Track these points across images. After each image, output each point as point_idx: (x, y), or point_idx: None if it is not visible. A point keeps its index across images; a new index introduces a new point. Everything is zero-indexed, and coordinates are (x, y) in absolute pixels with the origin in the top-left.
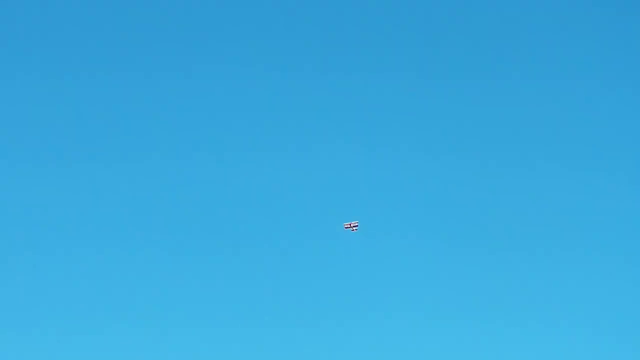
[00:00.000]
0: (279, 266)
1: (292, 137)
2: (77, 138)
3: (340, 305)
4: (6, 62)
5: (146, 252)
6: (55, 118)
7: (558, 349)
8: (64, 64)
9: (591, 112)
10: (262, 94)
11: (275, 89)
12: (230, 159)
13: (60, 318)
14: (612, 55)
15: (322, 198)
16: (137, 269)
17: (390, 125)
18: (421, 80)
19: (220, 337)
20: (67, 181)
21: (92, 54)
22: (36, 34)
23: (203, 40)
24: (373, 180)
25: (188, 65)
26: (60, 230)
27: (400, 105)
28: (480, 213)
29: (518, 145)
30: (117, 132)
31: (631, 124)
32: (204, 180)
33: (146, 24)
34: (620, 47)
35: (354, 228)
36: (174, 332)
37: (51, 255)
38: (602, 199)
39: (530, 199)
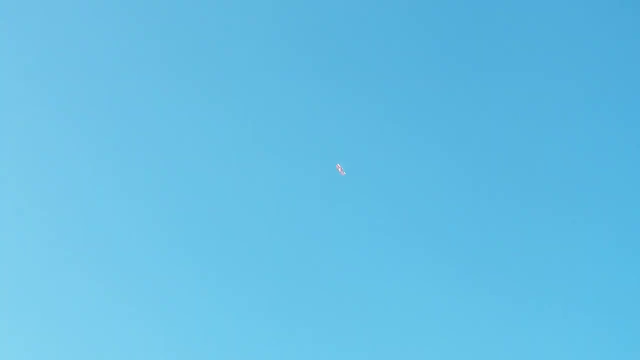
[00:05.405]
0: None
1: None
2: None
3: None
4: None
5: (145, 251)
6: (51, 114)
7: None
8: (63, 62)
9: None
10: (261, 93)
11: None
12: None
13: (59, 318)
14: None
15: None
16: (136, 268)
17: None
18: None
19: (220, 337)
20: (66, 179)
21: (91, 53)
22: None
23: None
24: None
25: (187, 64)
26: (59, 228)
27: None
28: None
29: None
30: (117, 130)
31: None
32: (202, 178)
33: (145, 23)
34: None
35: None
36: (173, 333)
37: (49, 253)
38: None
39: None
